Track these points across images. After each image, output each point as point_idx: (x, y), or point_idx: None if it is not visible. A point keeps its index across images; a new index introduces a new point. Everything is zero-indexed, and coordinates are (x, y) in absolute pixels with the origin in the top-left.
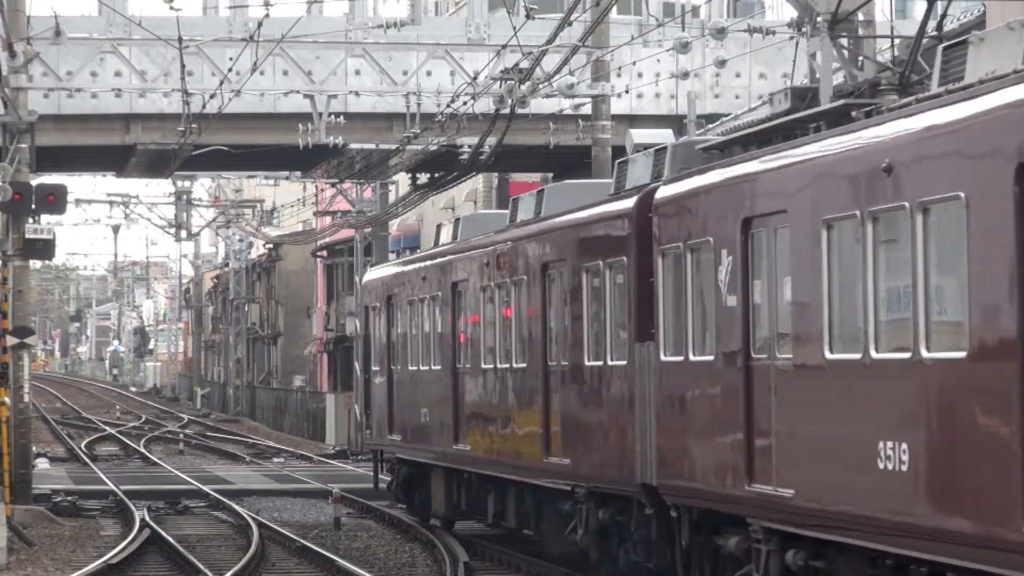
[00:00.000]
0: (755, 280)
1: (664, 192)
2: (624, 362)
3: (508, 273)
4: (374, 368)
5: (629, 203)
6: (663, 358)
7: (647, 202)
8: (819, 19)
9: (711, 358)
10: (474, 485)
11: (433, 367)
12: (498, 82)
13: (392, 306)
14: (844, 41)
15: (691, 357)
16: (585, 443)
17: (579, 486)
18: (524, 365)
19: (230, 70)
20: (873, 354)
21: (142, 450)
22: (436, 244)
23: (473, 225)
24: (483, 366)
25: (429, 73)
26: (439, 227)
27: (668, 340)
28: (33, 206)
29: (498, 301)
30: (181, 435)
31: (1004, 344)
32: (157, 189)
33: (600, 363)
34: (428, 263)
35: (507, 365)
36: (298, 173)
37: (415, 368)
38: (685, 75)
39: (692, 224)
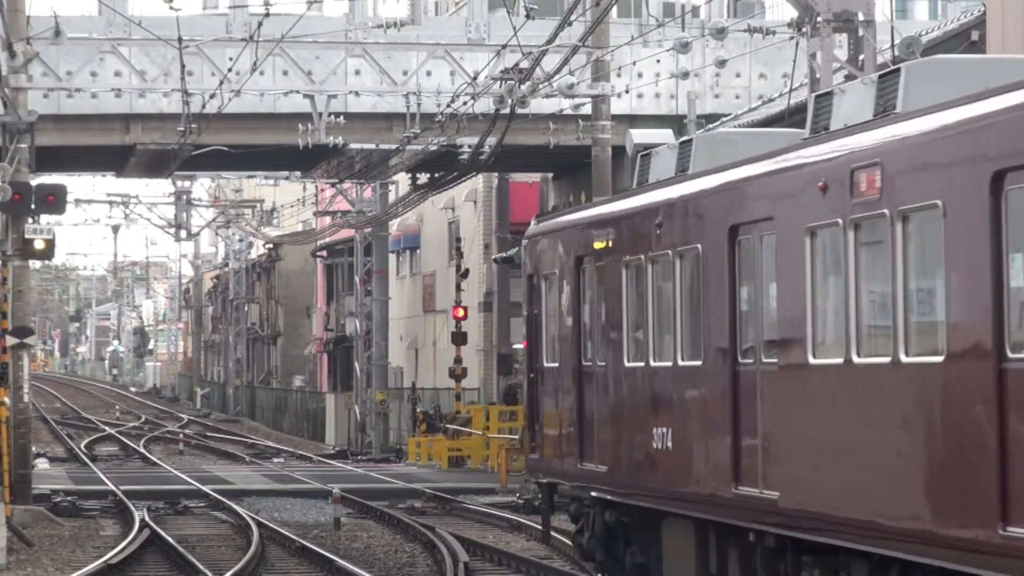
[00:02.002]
0: None
1: None
2: None
3: (883, 200)
4: (548, 364)
5: None
6: None
7: None
8: (819, 19)
9: None
10: (767, 553)
11: (683, 363)
12: (498, 82)
13: (586, 272)
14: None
15: None
16: None
17: None
18: (938, 360)
19: (230, 70)
20: None
21: (142, 450)
22: (642, 180)
23: (720, 146)
24: (811, 360)
25: (429, 73)
26: (643, 156)
27: None
28: (33, 206)
29: (853, 250)
30: (181, 435)
31: None
32: (157, 189)
33: None
34: (665, 201)
35: (884, 359)
36: (298, 173)
37: (639, 364)
38: (685, 75)
39: None
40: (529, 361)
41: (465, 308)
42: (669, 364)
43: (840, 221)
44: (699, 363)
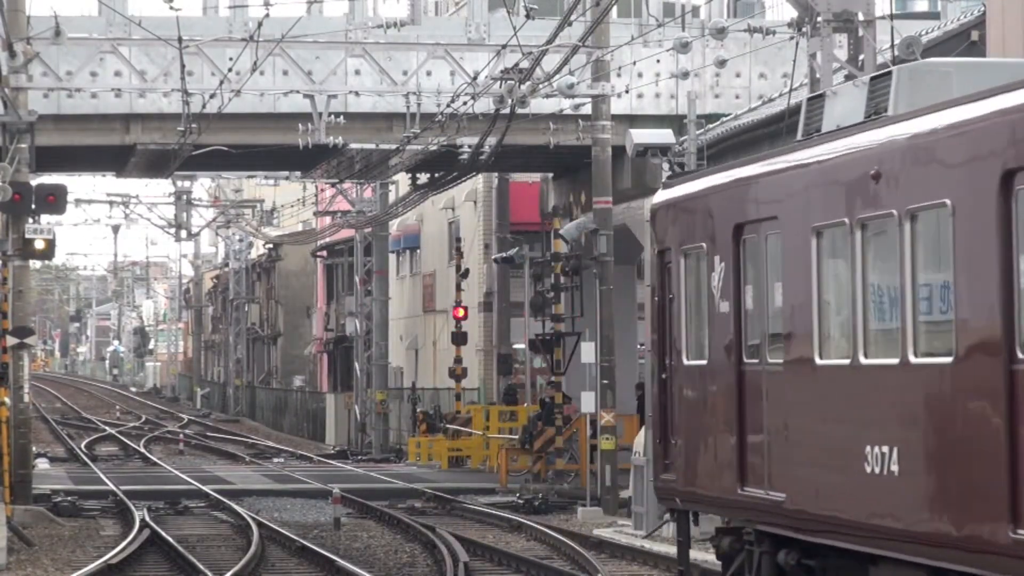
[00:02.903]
0: None
1: None
2: None
3: None
4: (688, 362)
5: None
6: None
7: None
8: (819, 19)
9: None
10: None
11: (916, 360)
12: (498, 82)
13: (750, 244)
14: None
15: None
16: None
17: None
18: None
19: (230, 70)
20: None
21: (142, 450)
22: (811, 129)
23: (929, 80)
24: None
25: (429, 73)
26: (811, 100)
27: None
28: (33, 206)
29: None
30: (181, 435)
31: None
32: (157, 189)
33: None
34: (887, 144)
35: None
36: (298, 173)
37: (840, 362)
38: (685, 75)
39: None
40: (659, 358)
41: (465, 308)
42: (893, 361)
43: None
44: (947, 360)
